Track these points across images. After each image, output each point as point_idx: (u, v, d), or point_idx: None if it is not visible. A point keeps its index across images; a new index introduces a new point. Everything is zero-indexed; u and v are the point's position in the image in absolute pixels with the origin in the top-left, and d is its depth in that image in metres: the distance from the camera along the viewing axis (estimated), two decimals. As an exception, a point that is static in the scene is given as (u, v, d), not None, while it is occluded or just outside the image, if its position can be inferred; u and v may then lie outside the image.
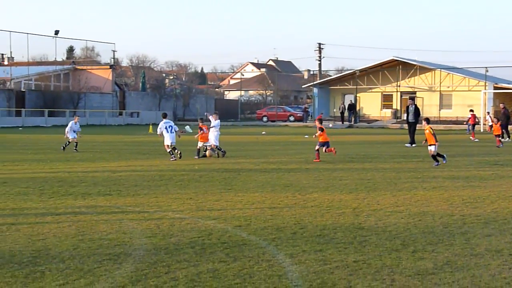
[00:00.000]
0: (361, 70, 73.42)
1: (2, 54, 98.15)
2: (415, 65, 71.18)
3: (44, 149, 28.91)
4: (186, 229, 10.53)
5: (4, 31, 69.85)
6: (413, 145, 31.53)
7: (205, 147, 25.10)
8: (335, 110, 75.16)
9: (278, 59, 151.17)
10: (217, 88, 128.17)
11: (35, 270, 7.95)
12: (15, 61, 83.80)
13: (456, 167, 21.36)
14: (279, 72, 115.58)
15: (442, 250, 9.11)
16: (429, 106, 68.61)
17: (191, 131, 32.85)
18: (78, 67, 79.05)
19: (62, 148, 27.58)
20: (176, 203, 13.31)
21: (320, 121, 24.91)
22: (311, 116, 73.04)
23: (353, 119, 68.00)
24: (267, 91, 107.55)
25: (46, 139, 37.92)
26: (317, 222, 11.29)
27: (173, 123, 24.58)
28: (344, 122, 67.23)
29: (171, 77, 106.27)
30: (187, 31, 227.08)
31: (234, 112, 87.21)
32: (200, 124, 25.38)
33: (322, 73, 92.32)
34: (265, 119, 77.03)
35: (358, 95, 72.74)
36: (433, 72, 70.66)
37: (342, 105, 69.68)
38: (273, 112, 78.20)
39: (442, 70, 69.89)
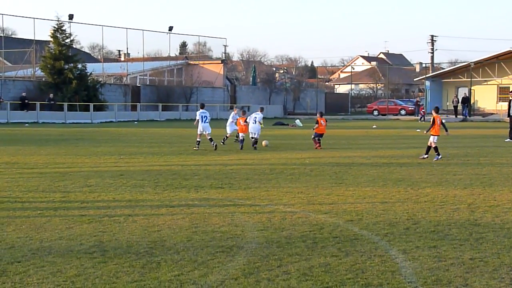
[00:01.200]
0: (475, 62, 71.37)
1: (119, 51, 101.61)
2: (534, 56, 68.56)
3: (158, 143, 29.62)
4: (297, 223, 10.53)
5: (121, 28, 72.19)
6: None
7: (242, 137, 26.62)
8: (448, 103, 73.40)
9: (389, 52, 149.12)
10: (327, 81, 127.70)
11: (151, 260, 8.16)
12: (131, 57, 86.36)
13: None
14: (390, 65, 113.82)
15: None
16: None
17: (302, 125, 32.84)
18: (191, 62, 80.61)
19: (222, 143, 27.59)
20: (287, 197, 13.35)
21: (321, 114, 27.38)
22: (425, 110, 71.49)
23: (467, 113, 66.19)
24: (377, 85, 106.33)
25: (160, 133, 38.88)
26: (431, 217, 11.05)
27: (208, 114, 25.97)
28: (458, 116, 65.58)
29: (281, 71, 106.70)
30: (297, 25, 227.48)
31: (344, 106, 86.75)
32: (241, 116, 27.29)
33: (435, 65, 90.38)
34: (375, 112, 76.19)
35: (472, 88, 70.72)
36: (554, 63, 67.84)
37: (456, 98, 67.90)
38: (384, 105, 77.21)
39: None
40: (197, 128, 25.54)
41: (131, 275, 7.52)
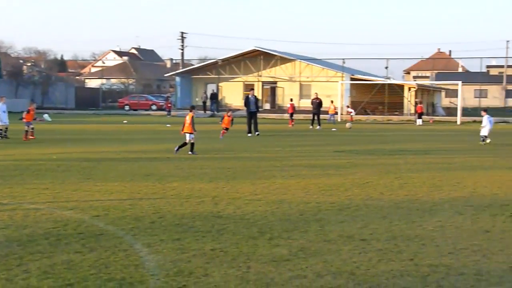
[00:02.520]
0: (223, 60, 73.95)
1: None
2: (276, 55, 72.43)
3: None
4: (41, 220, 10.24)
5: None
6: (256, 133, 32.74)
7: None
8: (197, 99, 75.29)
9: (141, 47, 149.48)
10: (78, 76, 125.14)
11: None
12: None
13: (314, 156, 21.99)
14: (141, 61, 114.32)
15: (297, 237, 9.35)
16: (289, 96, 70.11)
17: (50, 119, 31.93)
18: None
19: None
20: (31, 194, 12.92)
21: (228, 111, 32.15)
22: (174, 105, 72.58)
23: (215, 109, 68.37)
24: (129, 80, 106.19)
25: None
26: (176, 211, 11.29)
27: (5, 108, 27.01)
28: (207, 111, 67.49)
29: (29, 64, 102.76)
30: (46, 16, 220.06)
31: (95, 101, 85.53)
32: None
33: (185, 62, 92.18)
34: (127, 108, 76.01)
35: (220, 84, 73.21)
36: (293, 62, 72.21)
37: (205, 95, 69.89)
38: (135, 101, 77.32)
39: (301, 61, 71.58)
40: None
41: None
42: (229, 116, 31.42)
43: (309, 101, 49.58)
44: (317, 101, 42.93)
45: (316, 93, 46.85)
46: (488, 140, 27.49)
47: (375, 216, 10.99)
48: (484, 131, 28.05)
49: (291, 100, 50.72)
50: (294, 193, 13.55)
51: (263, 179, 15.72)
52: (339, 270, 7.64)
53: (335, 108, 52.40)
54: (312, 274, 7.47)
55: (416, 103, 58.13)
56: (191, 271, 7.48)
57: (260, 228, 9.91)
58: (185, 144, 21.68)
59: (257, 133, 32.96)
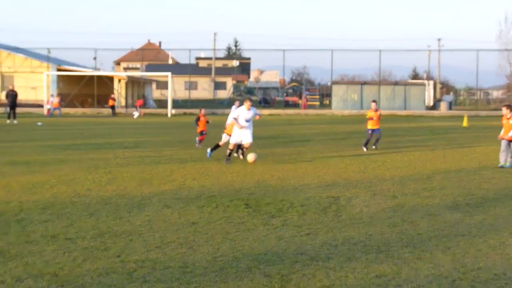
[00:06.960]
0: None
1: None
2: None
3: None
4: None
5: None
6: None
7: None
8: None
9: None
10: None
11: None
12: None
13: (17, 152, 20.91)
14: None
15: (-5, 239, 8.73)
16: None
17: None
18: None
19: None
20: None
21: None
22: None
23: None
24: None
25: None
26: None
27: None
28: None
29: None
30: None
31: None
32: None
33: None
34: None
35: None
36: (-7, 52, 68.46)
37: None
38: None
39: (2, 50, 68.01)
40: None
41: None
42: (204, 116, 24.01)
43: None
44: (13, 93, 40.87)
45: (12, 84, 44.51)
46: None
47: (82, 214, 10.66)
48: None
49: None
50: (-6, 192, 12.73)
51: (-41, 178, 14.61)
52: (41, 272, 7.23)
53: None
54: (11, 278, 7.00)
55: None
56: None
57: (-45, 233, 9.10)
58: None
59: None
